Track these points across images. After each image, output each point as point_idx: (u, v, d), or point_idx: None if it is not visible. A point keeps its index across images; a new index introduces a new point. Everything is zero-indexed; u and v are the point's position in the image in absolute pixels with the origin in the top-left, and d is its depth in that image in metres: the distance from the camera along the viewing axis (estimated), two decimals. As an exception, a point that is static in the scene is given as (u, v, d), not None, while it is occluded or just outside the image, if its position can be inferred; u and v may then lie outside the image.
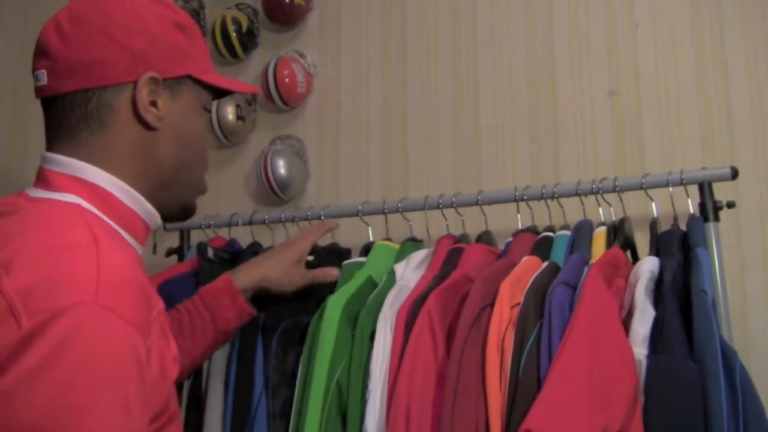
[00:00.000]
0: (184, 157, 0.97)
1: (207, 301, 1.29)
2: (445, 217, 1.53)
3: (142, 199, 0.94)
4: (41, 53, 0.92)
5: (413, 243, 1.47)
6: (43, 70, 0.91)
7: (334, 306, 1.28)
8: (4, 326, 0.71)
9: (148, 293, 0.83)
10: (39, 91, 0.93)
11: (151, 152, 0.94)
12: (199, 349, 1.28)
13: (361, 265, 1.43)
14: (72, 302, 0.72)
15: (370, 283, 1.37)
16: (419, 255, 1.42)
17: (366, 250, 1.51)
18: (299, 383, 1.28)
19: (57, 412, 0.69)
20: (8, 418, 0.69)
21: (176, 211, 1.01)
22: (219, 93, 1.05)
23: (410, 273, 1.37)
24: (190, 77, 0.97)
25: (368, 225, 1.58)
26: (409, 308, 1.23)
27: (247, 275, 1.33)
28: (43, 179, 0.91)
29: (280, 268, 1.35)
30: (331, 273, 1.40)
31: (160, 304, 0.87)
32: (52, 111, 0.92)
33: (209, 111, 1.04)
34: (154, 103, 0.92)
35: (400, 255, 1.43)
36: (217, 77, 1.02)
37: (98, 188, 0.90)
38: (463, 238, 1.46)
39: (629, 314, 1.14)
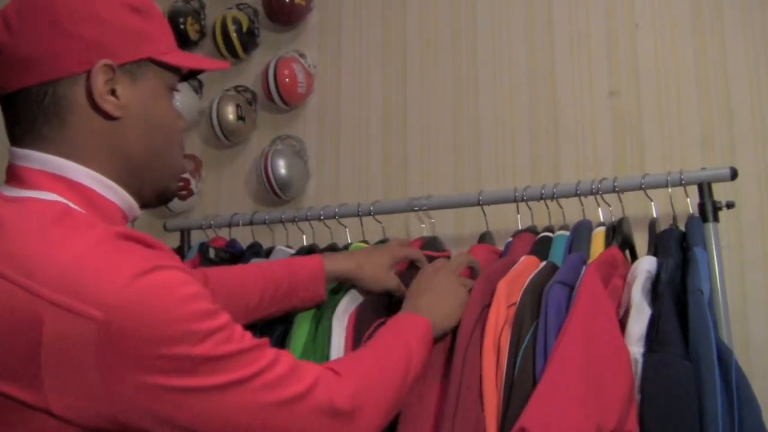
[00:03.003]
0: (154, 142, 0.93)
1: (294, 272, 1.27)
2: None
3: (120, 189, 0.90)
4: None
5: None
6: None
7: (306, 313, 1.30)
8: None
9: None
10: None
11: (117, 142, 0.89)
12: (252, 307, 1.24)
13: None
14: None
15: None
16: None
17: None
18: None
19: None
20: None
21: (152, 198, 0.96)
22: (189, 73, 1.01)
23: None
24: (150, 60, 0.92)
25: (345, 227, 1.59)
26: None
27: (343, 263, 1.31)
28: (16, 177, 0.87)
29: (373, 268, 1.32)
30: None
31: None
32: (9, 107, 0.89)
33: (178, 90, 0.97)
34: (113, 92, 0.88)
35: None
36: (182, 56, 0.96)
37: (76, 184, 0.86)
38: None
39: (626, 313, 1.14)
